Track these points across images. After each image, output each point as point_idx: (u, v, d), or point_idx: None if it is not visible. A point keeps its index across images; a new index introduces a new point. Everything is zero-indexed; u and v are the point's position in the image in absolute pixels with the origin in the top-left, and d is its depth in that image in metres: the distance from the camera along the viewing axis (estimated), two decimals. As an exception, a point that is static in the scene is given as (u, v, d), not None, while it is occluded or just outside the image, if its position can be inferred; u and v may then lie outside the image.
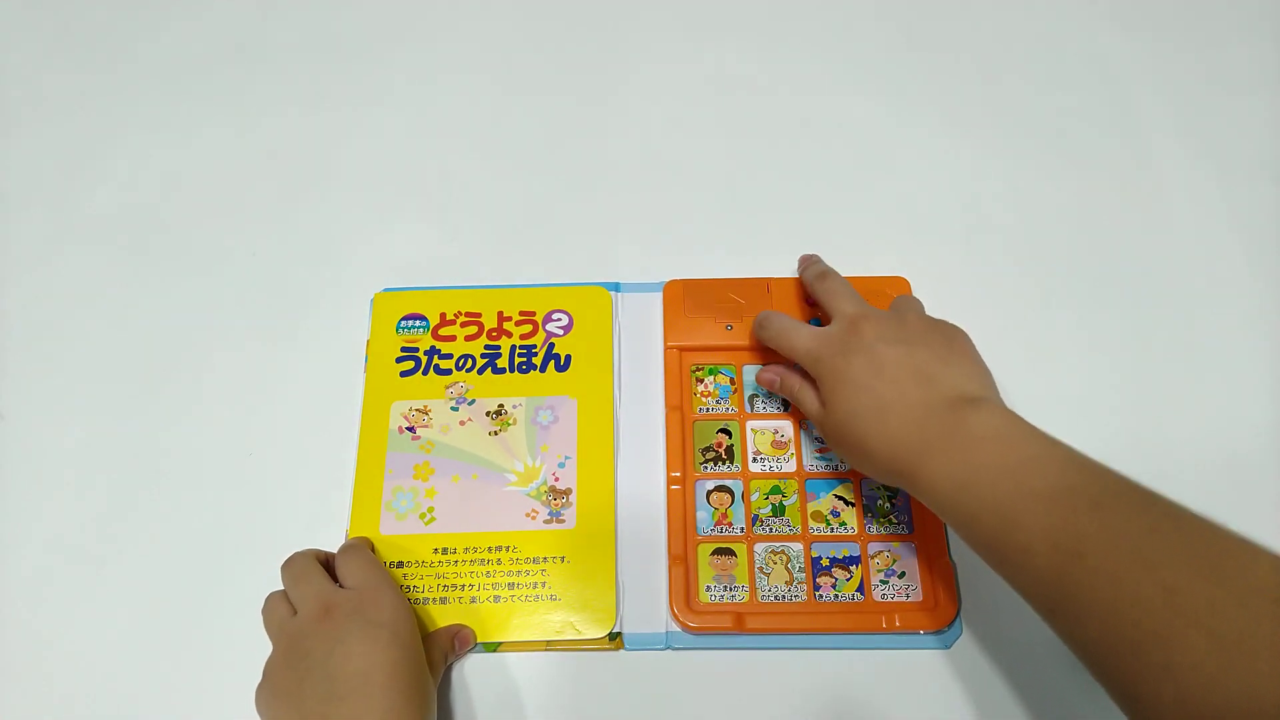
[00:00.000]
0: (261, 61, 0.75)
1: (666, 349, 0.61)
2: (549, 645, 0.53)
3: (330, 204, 0.68)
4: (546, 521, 0.56)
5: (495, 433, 0.59)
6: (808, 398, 0.54)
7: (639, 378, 0.61)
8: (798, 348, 0.54)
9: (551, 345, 0.61)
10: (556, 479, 0.57)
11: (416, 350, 0.61)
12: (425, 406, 0.59)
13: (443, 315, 0.62)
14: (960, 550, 0.55)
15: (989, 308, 0.63)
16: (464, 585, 0.55)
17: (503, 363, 0.61)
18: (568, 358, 0.61)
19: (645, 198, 0.68)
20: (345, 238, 0.67)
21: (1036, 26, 0.75)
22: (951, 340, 0.52)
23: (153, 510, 0.58)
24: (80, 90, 0.75)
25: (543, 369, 0.60)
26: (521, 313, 0.62)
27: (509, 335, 0.62)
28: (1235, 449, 0.58)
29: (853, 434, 0.49)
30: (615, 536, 0.56)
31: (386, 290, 0.64)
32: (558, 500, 0.57)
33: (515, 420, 0.59)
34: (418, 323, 0.62)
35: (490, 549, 0.55)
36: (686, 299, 0.62)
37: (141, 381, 0.62)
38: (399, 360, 0.61)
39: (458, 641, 0.53)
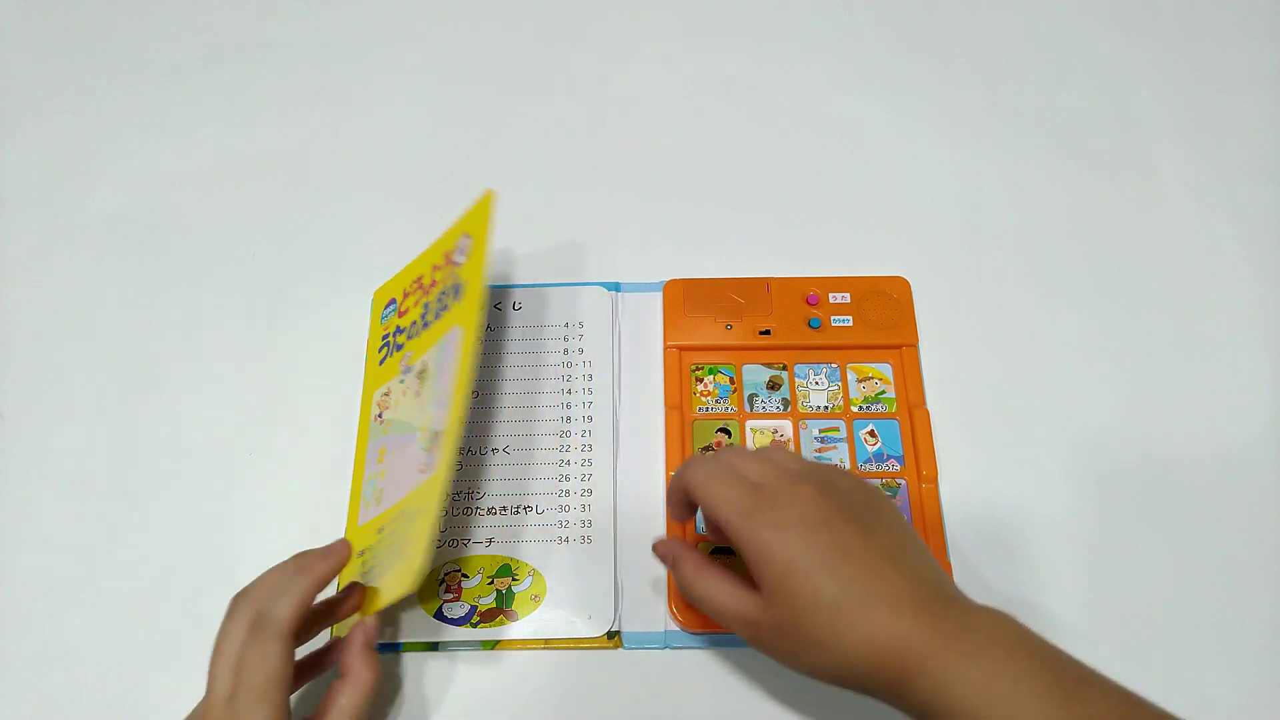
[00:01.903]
0: (261, 61, 0.75)
1: (666, 348, 0.61)
2: (547, 644, 0.53)
3: (330, 204, 0.69)
4: (422, 471, 0.51)
5: (419, 393, 0.54)
6: (721, 590, 0.44)
7: (639, 377, 0.61)
8: (723, 502, 0.43)
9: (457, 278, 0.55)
10: (436, 422, 0.51)
11: (388, 335, 0.60)
12: (389, 388, 0.58)
13: (405, 291, 0.60)
14: (959, 551, 0.55)
15: (989, 308, 0.63)
16: (377, 564, 0.51)
17: (431, 316, 0.56)
18: (459, 287, 0.54)
19: (645, 198, 0.68)
20: (345, 238, 0.67)
21: (1036, 27, 0.75)
22: (893, 513, 0.45)
23: (152, 510, 0.58)
24: (80, 90, 0.75)
25: (449, 308, 0.54)
26: (444, 254, 0.57)
27: (436, 284, 0.57)
28: (1235, 449, 0.58)
29: (815, 629, 0.40)
30: (614, 535, 0.56)
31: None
32: (432, 445, 0.50)
33: (430, 372, 0.54)
34: (390, 308, 0.61)
35: (393, 518, 0.52)
36: (686, 299, 0.62)
37: (141, 381, 0.62)
38: (379, 349, 0.61)
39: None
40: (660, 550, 0.49)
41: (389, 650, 0.53)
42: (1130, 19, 0.75)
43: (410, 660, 0.53)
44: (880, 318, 0.61)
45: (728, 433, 0.59)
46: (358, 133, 0.72)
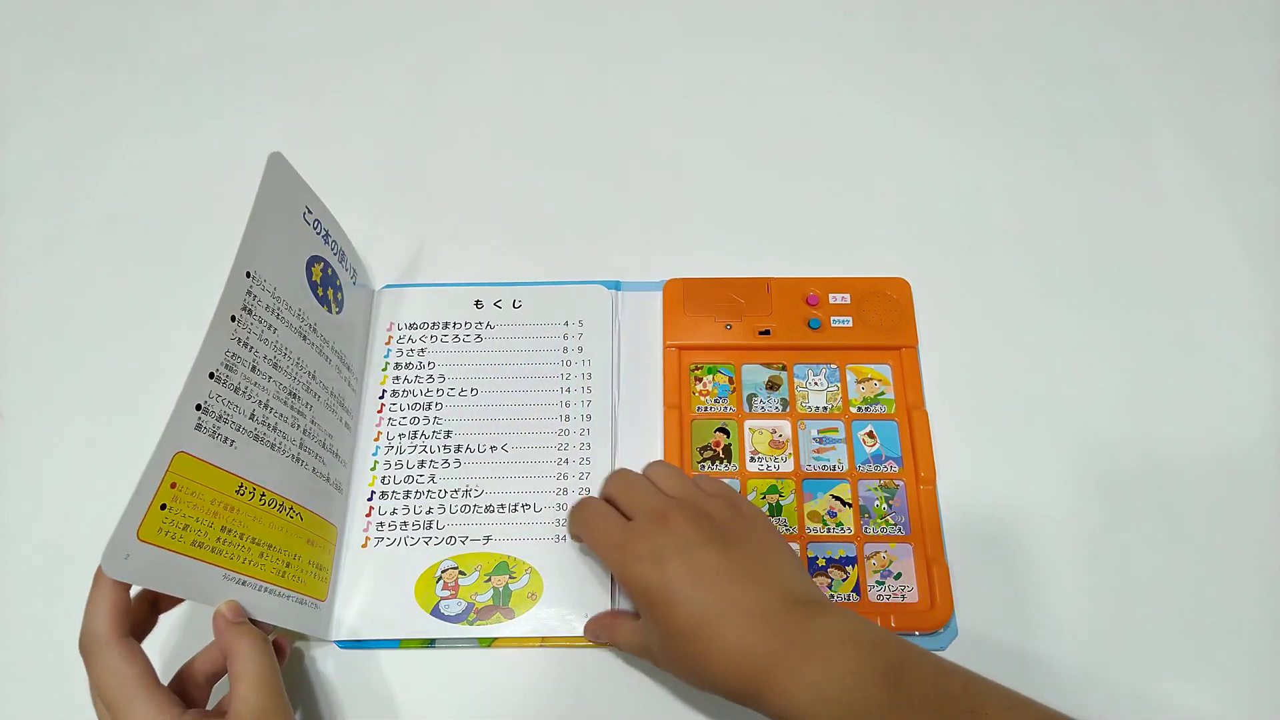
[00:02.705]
0: (261, 60, 0.76)
1: (666, 348, 0.61)
2: (544, 641, 0.53)
3: (330, 203, 0.68)
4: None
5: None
6: (624, 630, 0.49)
7: (638, 376, 0.61)
8: (599, 540, 0.49)
9: None
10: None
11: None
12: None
13: None
14: (957, 552, 0.55)
15: (989, 308, 0.63)
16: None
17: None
18: None
19: (645, 198, 0.68)
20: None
21: (1036, 26, 0.75)
22: (758, 527, 0.47)
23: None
24: (80, 90, 0.75)
25: None
26: None
27: None
28: (1235, 449, 0.58)
29: (687, 654, 0.43)
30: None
31: (387, 287, 0.64)
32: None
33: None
34: None
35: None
36: (686, 298, 0.62)
37: (142, 381, 0.62)
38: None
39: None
40: (590, 632, 0.52)
41: (385, 647, 0.53)
42: (1131, 19, 0.75)
43: (406, 657, 0.53)
44: (880, 319, 0.61)
45: (726, 432, 0.59)
46: (356, 133, 0.72)
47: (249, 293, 0.48)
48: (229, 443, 0.45)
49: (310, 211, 0.55)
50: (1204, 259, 0.65)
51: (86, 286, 0.66)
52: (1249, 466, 0.58)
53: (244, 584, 0.46)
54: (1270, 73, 0.72)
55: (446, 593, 0.55)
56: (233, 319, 0.46)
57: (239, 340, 0.46)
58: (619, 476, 0.52)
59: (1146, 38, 0.74)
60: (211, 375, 0.45)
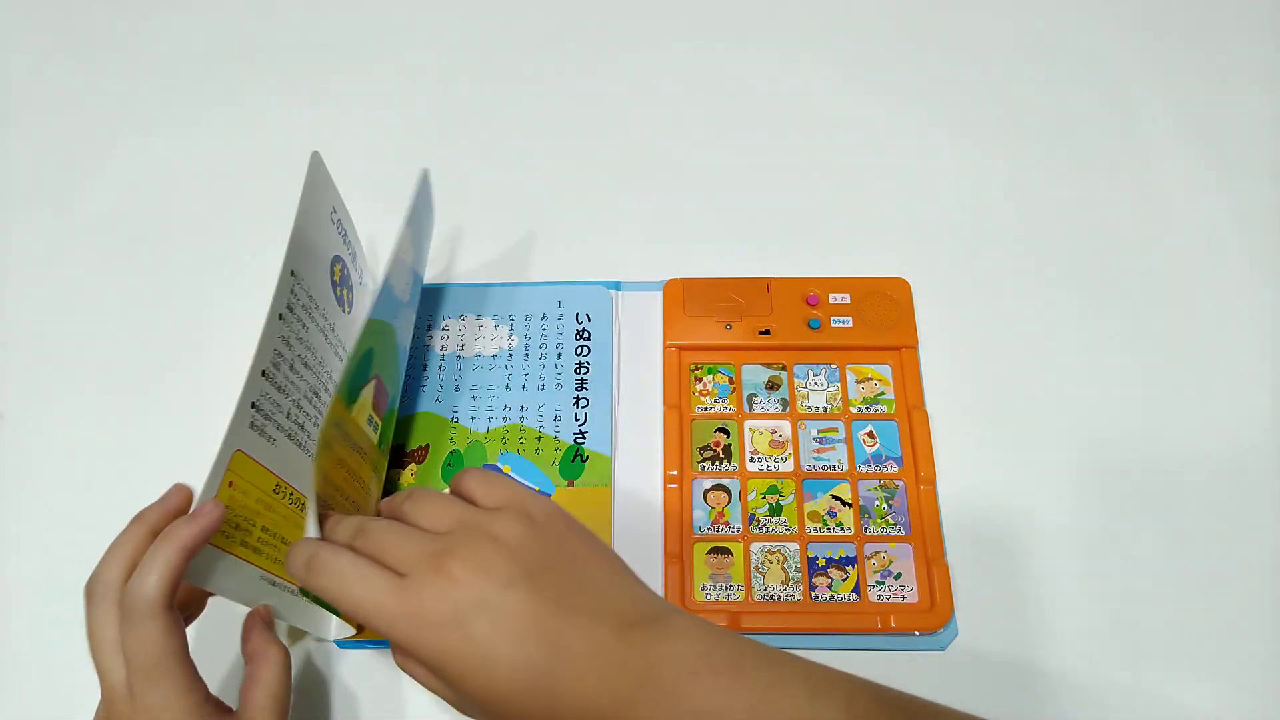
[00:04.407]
0: (261, 59, 0.76)
1: (666, 348, 0.61)
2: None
3: (330, 203, 0.69)
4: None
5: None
6: (437, 690, 0.39)
7: (638, 376, 0.61)
8: (362, 607, 0.38)
9: None
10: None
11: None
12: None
13: None
14: (957, 552, 0.55)
15: (989, 308, 0.63)
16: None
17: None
18: None
19: (645, 198, 0.68)
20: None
21: (1037, 26, 0.75)
22: (560, 533, 0.40)
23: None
24: (80, 89, 0.75)
25: None
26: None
27: None
28: (1236, 449, 0.58)
29: (507, 711, 0.36)
30: (611, 534, 0.56)
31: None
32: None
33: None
34: None
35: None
36: (686, 298, 0.62)
37: (141, 381, 0.62)
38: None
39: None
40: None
41: (385, 647, 0.53)
42: (1131, 19, 0.75)
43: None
44: (880, 319, 0.61)
45: (726, 432, 0.59)
46: (357, 132, 0.72)
47: (292, 291, 0.48)
48: (272, 441, 0.45)
49: (335, 211, 0.55)
50: (1205, 259, 0.65)
51: (86, 286, 0.66)
52: (1250, 466, 0.57)
53: (274, 584, 0.46)
54: (1271, 71, 0.72)
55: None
56: (280, 317, 0.46)
57: (283, 339, 0.47)
58: (369, 523, 0.41)
59: (1146, 37, 0.74)
60: (264, 374, 0.44)
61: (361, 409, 0.48)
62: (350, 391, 0.46)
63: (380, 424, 0.52)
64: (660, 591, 0.54)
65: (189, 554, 0.40)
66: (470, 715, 0.39)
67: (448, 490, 0.44)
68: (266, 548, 0.45)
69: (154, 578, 0.39)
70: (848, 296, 0.62)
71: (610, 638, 0.36)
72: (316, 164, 0.51)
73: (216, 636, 0.49)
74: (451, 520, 0.40)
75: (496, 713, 0.37)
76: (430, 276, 0.65)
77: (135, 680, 0.39)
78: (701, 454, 0.58)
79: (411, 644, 0.37)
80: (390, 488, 0.58)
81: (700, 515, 0.56)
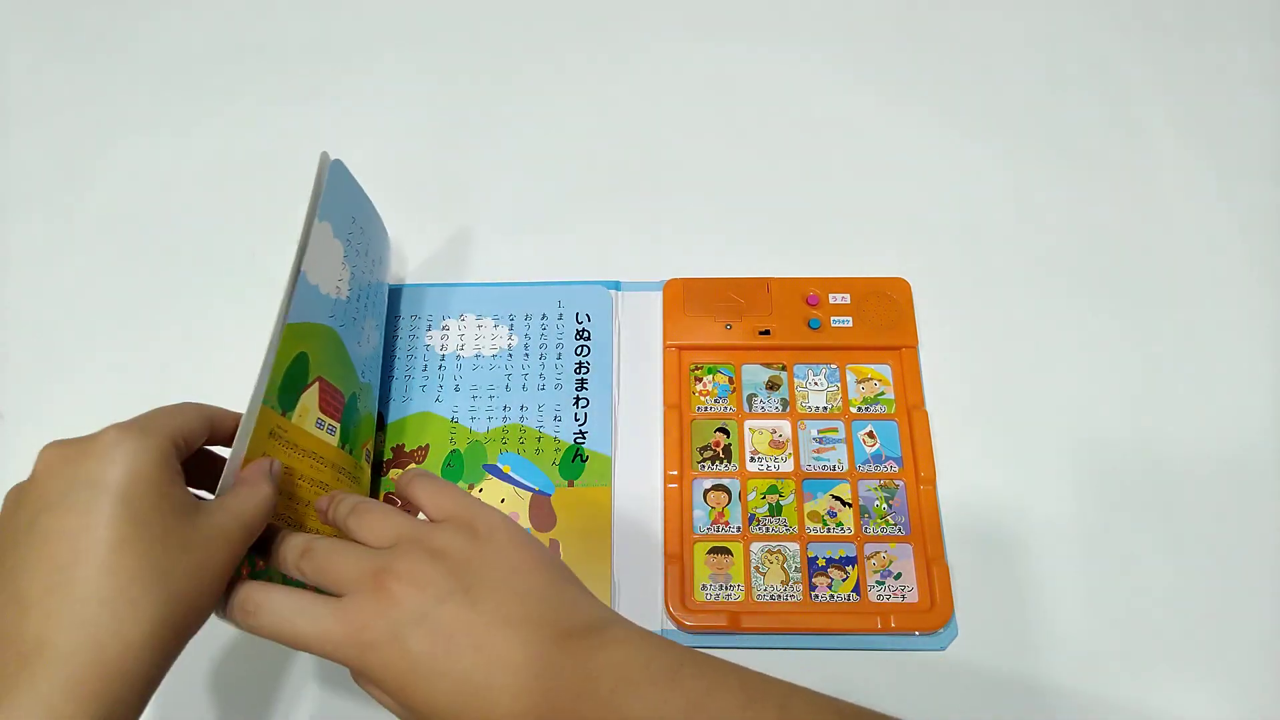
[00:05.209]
0: (260, 60, 0.76)
1: (666, 348, 0.61)
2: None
3: (330, 203, 0.69)
4: None
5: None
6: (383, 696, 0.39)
7: (638, 376, 0.61)
8: (308, 640, 0.38)
9: None
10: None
11: None
12: None
13: None
14: (957, 552, 0.55)
15: (989, 308, 0.63)
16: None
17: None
18: None
19: (645, 198, 0.68)
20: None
21: (1036, 26, 0.75)
22: (502, 547, 0.40)
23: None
24: (80, 90, 0.75)
25: None
26: None
27: None
28: (1236, 449, 0.58)
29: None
30: (611, 534, 0.56)
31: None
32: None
33: None
34: None
35: None
36: (686, 298, 0.62)
37: (141, 381, 0.62)
38: None
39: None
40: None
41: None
42: (1130, 19, 0.75)
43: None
44: (880, 319, 0.61)
45: (726, 432, 0.59)
46: (357, 133, 0.72)
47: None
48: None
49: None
50: (1205, 259, 0.65)
51: (86, 286, 0.66)
52: (1249, 466, 0.57)
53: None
54: (1271, 72, 0.72)
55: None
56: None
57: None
58: (314, 542, 0.41)
59: (1146, 37, 0.74)
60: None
61: (304, 414, 0.48)
62: (282, 397, 0.46)
63: (339, 425, 0.52)
64: (659, 592, 0.54)
65: (211, 425, 0.43)
66: None
67: (397, 488, 0.45)
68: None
69: (168, 418, 0.41)
70: (848, 296, 0.62)
71: (548, 648, 0.36)
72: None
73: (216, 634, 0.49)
74: (393, 534, 0.40)
75: None
76: (430, 277, 0.65)
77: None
78: (701, 454, 0.58)
79: (357, 664, 0.37)
80: (391, 488, 0.58)
81: (700, 515, 0.56)
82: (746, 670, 0.38)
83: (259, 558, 0.43)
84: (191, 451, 0.41)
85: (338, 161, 0.51)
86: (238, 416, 0.43)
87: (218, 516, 0.39)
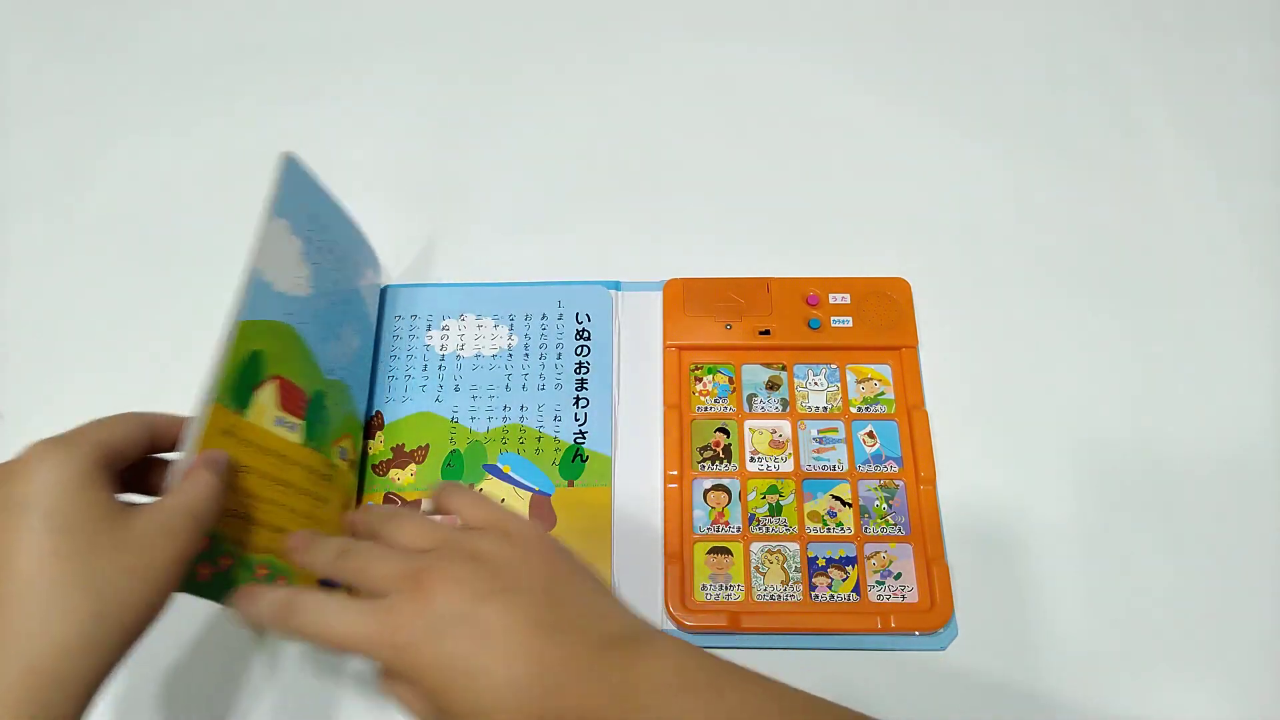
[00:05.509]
0: (260, 60, 0.76)
1: (666, 348, 0.61)
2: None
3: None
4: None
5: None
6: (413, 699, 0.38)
7: (638, 376, 0.61)
8: (346, 640, 0.38)
9: None
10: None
11: None
12: None
13: None
14: (957, 552, 0.55)
15: (989, 308, 0.63)
16: None
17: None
18: None
19: (645, 198, 0.68)
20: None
21: (1036, 26, 0.75)
22: (542, 553, 0.40)
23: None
24: (80, 90, 0.75)
25: None
26: None
27: None
28: (1236, 449, 0.58)
29: None
30: (611, 534, 0.56)
31: (387, 287, 0.64)
32: None
33: None
34: None
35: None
36: (686, 298, 0.62)
37: (141, 381, 0.62)
38: None
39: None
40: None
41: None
42: (1130, 19, 0.75)
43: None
44: (880, 319, 0.61)
45: (726, 432, 0.59)
46: (357, 133, 0.72)
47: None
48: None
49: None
50: (1205, 259, 0.65)
51: (86, 286, 0.66)
52: (1249, 466, 0.57)
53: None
54: (1271, 72, 0.72)
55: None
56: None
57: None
58: (351, 544, 0.42)
59: (1146, 37, 0.74)
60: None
61: (260, 412, 0.47)
62: (236, 395, 0.45)
63: (302, 423, 0.51)
64: (659, 592, 0.54)
65: (149, 430, 0.42)
66: None
67: (433, 498, 0.45)
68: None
69: (100, 428, 0.41)
70: (848, 296, 0.62)
71: (590, 655, 0.37)
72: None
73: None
74: (432, 539, 0.41)
75: None
76: (430, 276, 0.65)
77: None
78: (701, 454, 0.58)
79: (395, 663, 0.37)
80: (391, 488, 0.58)
81: (700, 515, 0.56)
82: (784, 685, 0.38)
83: (221, 557, 0.44)
84: (130, 460, 0.42)
85: (294, 159, 0.51)
86: (185, 421, 0.43)
87: (156, 514, 0.39)
